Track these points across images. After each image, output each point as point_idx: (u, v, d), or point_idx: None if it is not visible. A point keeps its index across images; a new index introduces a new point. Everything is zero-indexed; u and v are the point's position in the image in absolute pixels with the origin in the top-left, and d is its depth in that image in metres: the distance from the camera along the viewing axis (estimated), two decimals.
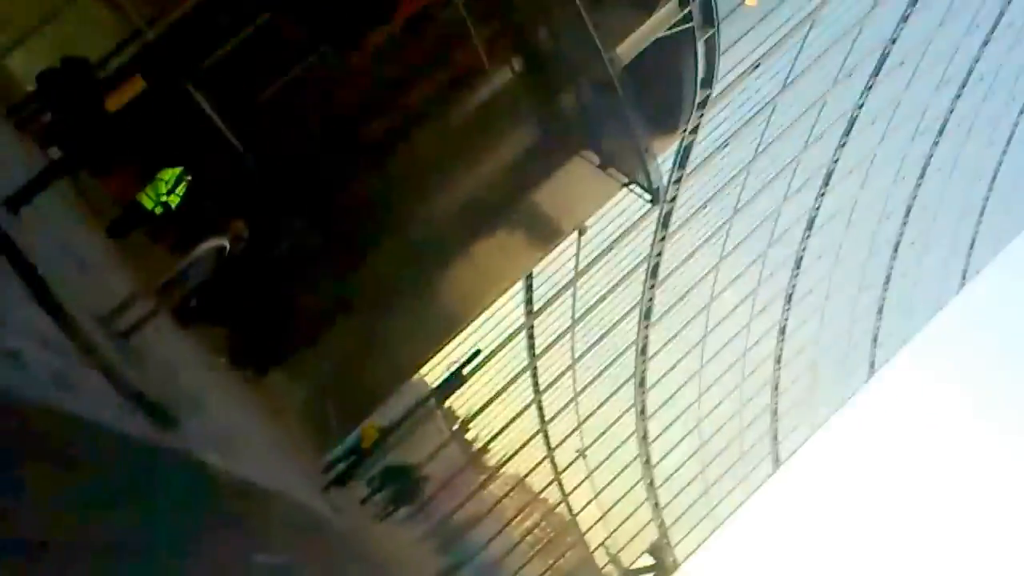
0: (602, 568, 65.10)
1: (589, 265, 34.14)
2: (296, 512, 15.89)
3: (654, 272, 40.01)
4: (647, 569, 71.73)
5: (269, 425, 22.18)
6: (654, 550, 68.34)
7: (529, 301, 33.36)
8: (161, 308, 11.38)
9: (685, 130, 29.21)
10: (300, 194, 24.75)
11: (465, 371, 23.75)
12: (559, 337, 37.58)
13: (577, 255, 32.28)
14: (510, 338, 34.06)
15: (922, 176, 55.25)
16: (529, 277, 31.91)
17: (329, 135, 24.07)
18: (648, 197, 26.52)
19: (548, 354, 37.29)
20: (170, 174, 20.65)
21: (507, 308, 32.69)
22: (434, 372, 32.97)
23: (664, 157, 29.97)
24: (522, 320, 34.15)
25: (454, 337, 28.27)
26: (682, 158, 31.65)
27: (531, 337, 35.73)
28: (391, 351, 27.73)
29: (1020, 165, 64.06)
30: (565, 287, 34.34)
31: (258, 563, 9.35)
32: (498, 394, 37.23)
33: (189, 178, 20.78)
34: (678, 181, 32.79)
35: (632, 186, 26.19)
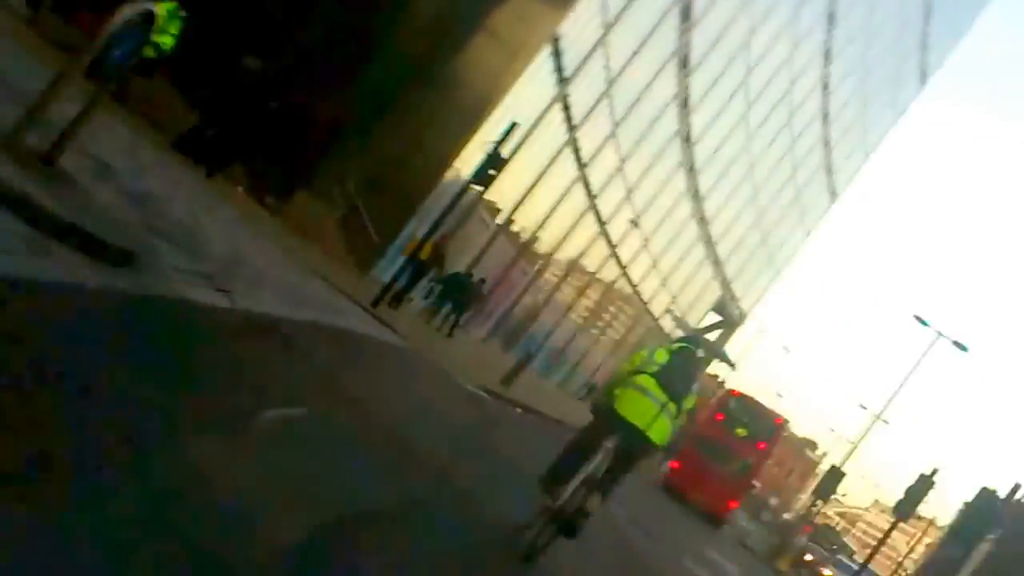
0: (671, 333, 62.97)
1: (619, 15, 29.98)
2: (347, 341, 13.93)
3: (687, 14, 35.67)
4: (715, 325, 69.90)
5: (302, 253, 19.18)
6: (719, 306, 66.17)
7: (559, 69, 29.50)
8: (96, 100, 7.93)
9: None
10: None
11: (503, 150, 20.03)
12: (596, 103, 33.64)
13: (604, 4, 28.15)
14: (544, 112, 30.41)
15: None
16: (555, 42, 28.01)
17: None
18: None
19: (587, 124, 33.44)
20: (162, 8, 17.16)
21: (537, 81, 28.70)
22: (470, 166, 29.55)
23: None
24: (555, 91, 30.30)
25: (484, 119, 24.55)
26: None
27: (567, 108, 31.99)
28: (421, 146, 24.31)
29: None
30: (595, 46, 30.57)
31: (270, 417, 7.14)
32: (540, 176, 33.62)
33: (184, 14, 17.35)
34: None
35: None
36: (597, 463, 8.71)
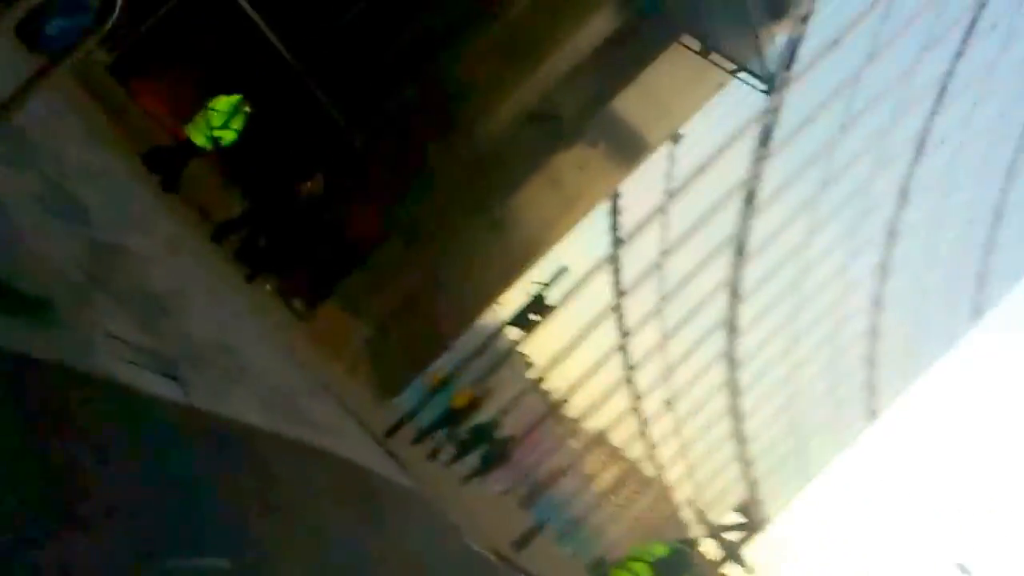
0: (689, 525, 60.75)
1: (682, 186, 29.40)
2: (336, 470, 11.37)
3: (749, 199, 35.05)
4: (737, 527, 67.41)
5: (318, 366, 18.02)
6: (743, 507, 63.93)
7: (614, 228, 28.90)
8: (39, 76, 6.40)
9: (797, 16, 23.85)
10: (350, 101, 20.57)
11: (548, 295, 19.16)
12: (647, 274, 32.92)
13: (669, 172, 27.50)
14: (593, 271, 29.94)
15: None
16: (615, 199, 27.24)
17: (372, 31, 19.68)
18: (762, 86, 21.55)
19: (634, 292, 32.65)
20: (225, 103, 16.82)
21: (590, 238, 28.13)
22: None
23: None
24: (608, 251, 29.79)
25: (533, 264, 23.75)
26: (788, 56, 25.71)
27: (616, 271, 31.25)
28: (465, 277, 23.47)
29: None
30: (655, 213, 29.72)
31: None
32: (581, 337, 32.74)
33: (248, 110, 16.95)
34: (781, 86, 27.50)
35: (742, 74, 21.25)
36: None
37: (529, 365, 33.29)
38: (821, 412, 59.03)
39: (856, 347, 56.07)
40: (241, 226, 18.35)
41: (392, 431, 17.61)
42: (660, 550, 10.26)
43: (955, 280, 59.34)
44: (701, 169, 28.88)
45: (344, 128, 20.15)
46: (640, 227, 29.14)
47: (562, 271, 18.99)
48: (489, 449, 28.57)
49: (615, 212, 26.79)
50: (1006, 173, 53.87)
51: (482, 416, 26.31)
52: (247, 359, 11.15)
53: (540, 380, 34.10)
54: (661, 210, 29.08)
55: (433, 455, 23.76)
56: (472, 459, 28.84)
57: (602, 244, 28.08)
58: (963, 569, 36.35)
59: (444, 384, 22.96)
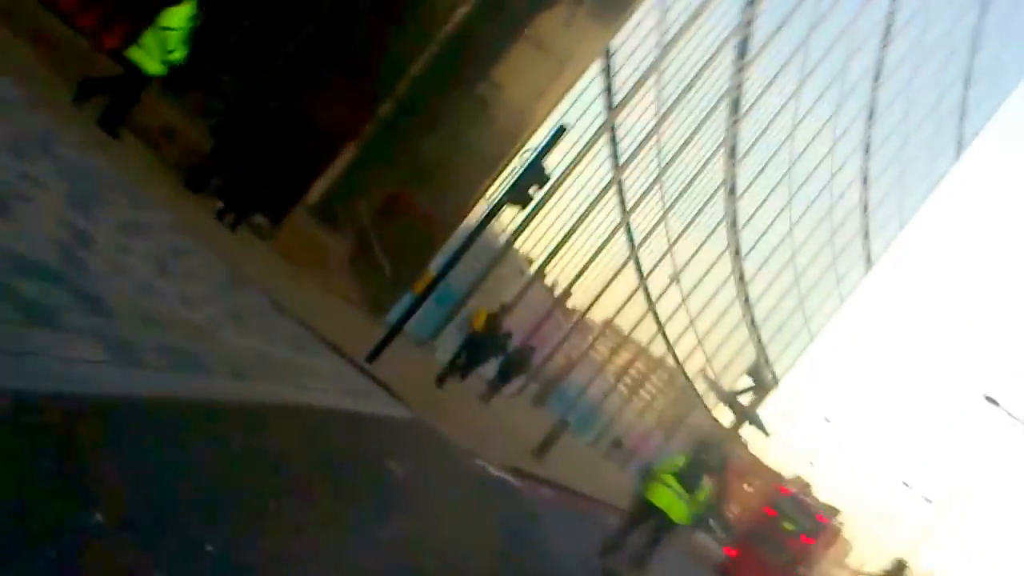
0: (703, 394, 58.38)
1: (672, 105, 28.83)
2: (304, 420, 8.48)
3: (735, 106, 33.63)
4: (747, 390, 65.24)
5: (290, 291, 14.87)
6: (753, 370, 61.60)
7: (615, 155, 28.31)
8: None
9: None
10: None
11: (548, 163, 15.66)
12: (648, 189, 32.64)
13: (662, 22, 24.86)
14: (600, 196, 29.33)
15: None
16: (612, 130, 26.56)
17: None
18: None
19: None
20: (180, 18, 13.13)
21: (594, 164, 27.54)
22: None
23: None
24: (610, 176, 29.18)
25: (527, 137, 20.29)
26: None
27: (621, 192, 30.92)
28: (447, 176, 20.10)
29: None
30: (649, 134, 29.20)
31: None
32: (580, 221, 29.74)
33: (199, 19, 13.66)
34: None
35: None
36: (638, 537, 11.60)
37: (530, 261, 30.07)
38: (820, 266, 56.23)
39: (849, 195, 53.10)
40: (215, 166, 15.01)
41: (375, 354, 14.40)
42: (680, 460, 12.25)
43: (936, 116, 56.15)
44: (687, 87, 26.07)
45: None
46: (637, 150, 26.33)
47: (561, 131, 15.41)
48: (506, 361, 25.72)
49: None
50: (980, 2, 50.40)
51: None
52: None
53: (541, 272, 30.87)
54: (654, 131, 26.56)
55: (440, 381, 20.50)
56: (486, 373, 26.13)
57: (597, 110, 24.66)
58: (991, 400, 33.47)
59: (432, 287, 20.00)
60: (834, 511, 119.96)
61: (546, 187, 15.86)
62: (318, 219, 18.36)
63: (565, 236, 29.85)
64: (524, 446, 22.15)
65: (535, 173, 15.36)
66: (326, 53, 17.28)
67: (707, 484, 12.45)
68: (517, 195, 15.43)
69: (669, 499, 11.88)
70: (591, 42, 21.25)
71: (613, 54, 23.48)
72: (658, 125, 29.14)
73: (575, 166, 25.18)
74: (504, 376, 26.56)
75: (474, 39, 18.47)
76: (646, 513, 12.35)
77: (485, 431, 19.40)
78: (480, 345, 21.74)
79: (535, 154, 15.26)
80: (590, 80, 22.99)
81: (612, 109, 25.15)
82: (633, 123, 27.37)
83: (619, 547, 12.50)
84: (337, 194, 18.37)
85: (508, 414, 27.70)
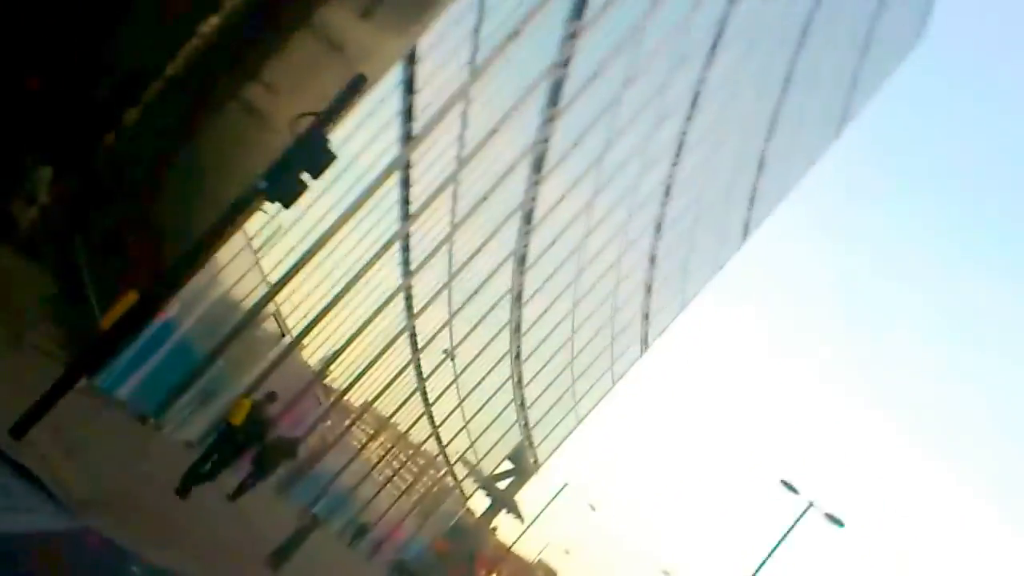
0: (461, 480, 53.26)
1: (464, 218, 27.34)
2: None
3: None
4: (506, 474, 60.75)
5: None
6: (514, 454, 57.10)
7: (406, 262, 26.72)
8: None
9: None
10: None
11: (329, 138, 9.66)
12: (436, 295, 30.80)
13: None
14: (387, 301, 27.33)
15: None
16: (406, 239, 25.42)
17: None
18: None
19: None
20: None
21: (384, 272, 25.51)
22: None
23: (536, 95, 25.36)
24: (400, 282, 27.32)
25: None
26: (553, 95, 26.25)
27: (408, 298, 29.24)
28: (202, 193, 14.21)
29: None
30: (441, 243, 27.81)
31: None
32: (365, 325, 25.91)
33: None
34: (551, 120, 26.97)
35: None
36: None
37: (282, 322, 23.87)
38: (597, 345, 52.41)
39: (636, 275, 49.63)
40: None
41: (24, 425, 8.48)
42: None
43: (727, 201, 53.86)
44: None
45: None
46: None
47: (360, 81, 9.51)
48: (263, 452, 19.98)
49: (406, 249, 19.30)
50: (781, 83, 48.39)
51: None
52: None
53: (299, 341, 24.75)
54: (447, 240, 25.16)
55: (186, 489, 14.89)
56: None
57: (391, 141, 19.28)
58: (788, 486, 29.57)
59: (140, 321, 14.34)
60: None
61: (327, 171, 9.98)
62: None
63: (332, 302, 24.01)
64: (261, 552, 16.66)
65: (313, 152, 9.54)
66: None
67: None
68: (283, 184, 9.56)
69: None
70: (393, 40, 15.82)
71: (411, 167, 20.99)
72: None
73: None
74: (261, 468, 20.79)
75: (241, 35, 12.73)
76: None
77: (206, 539, 13.59)
78: (236, 440, 15.83)
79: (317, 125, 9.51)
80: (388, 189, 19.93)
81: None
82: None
83: None
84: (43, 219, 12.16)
85: (252, 511, 21.57)
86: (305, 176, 9.67)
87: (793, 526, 28.65)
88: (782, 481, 30.03)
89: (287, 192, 9.68)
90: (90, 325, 14.73)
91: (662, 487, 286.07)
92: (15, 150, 12.23)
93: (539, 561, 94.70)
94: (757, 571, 28.36)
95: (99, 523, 9.05)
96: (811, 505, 29.24)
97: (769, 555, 28.33)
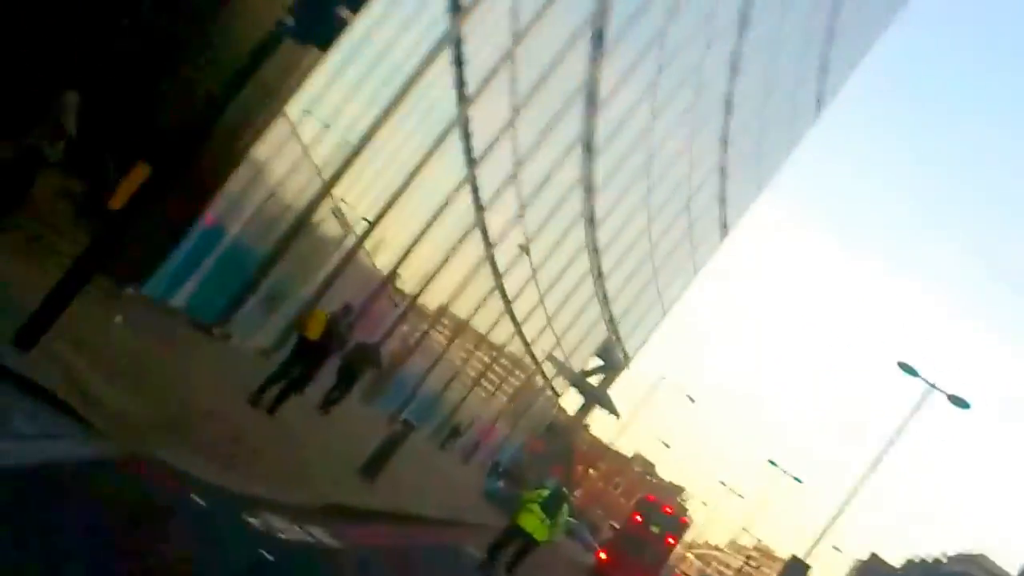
0: (551, 379, 52.82)
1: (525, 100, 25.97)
2: None
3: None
4: (597, 370, 60.23)
5: None
6: (603, 350, 56.44)
7: (468, 151, 25.33)
8: None
9: None
10: None
11: None
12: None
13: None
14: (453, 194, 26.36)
15: None
16: (466, 125, 23.88)
17: None
18: None
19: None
20: None
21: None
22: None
23: None
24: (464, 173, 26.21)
25: None
26: None
27: (475, 190, 28.00)
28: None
29: None
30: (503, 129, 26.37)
31: None
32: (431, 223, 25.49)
33: None
34: None
35: None
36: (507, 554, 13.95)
37: (344, 223, 23.23)
38: (675, 234, 51.13)
39: (709, 158, 48.04)
40: None
41: (33, 332, 7.78)
42: (545, 492, 14.53)
43: (797, 75, 51.64)
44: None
45: None
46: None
47: None
48: (347, 363, 20.82)
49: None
50: None
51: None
52: None
53: (366, 234, 24.08)
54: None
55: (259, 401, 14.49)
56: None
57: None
58: (907, 368, 28.18)
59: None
60: (679, 489, 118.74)
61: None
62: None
63: (393, 196, 23.28)
64: (353, 463, 16.16)
65: None
66: None
67: (565, 510, 14.56)
68: (315, 20, 8.53)
69: (535, 524, 13.88)
70: None
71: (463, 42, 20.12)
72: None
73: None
74: (346, 380, 21.39)
75: None
76: (516, 534, 14.13)
77: (289, 458, 12.99)
78: (314, 355, 15.21)
79: None
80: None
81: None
82: None
83: (494, 560, 14.13)
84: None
85: (339, 422, 21.24)
86: (343, 11, 8.54)
87: (915, 410, 27.45)
88: (900, 364, 28.56)
89: (321, 30, 8.64)
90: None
91: (765, 376, 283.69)
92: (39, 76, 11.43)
93: (636, 455, 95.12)
94: (879, 459, 27.36)
95: (150, 448, 8.34)
96: (933, 387, 27.83)
97: (891, 442, 27.26)
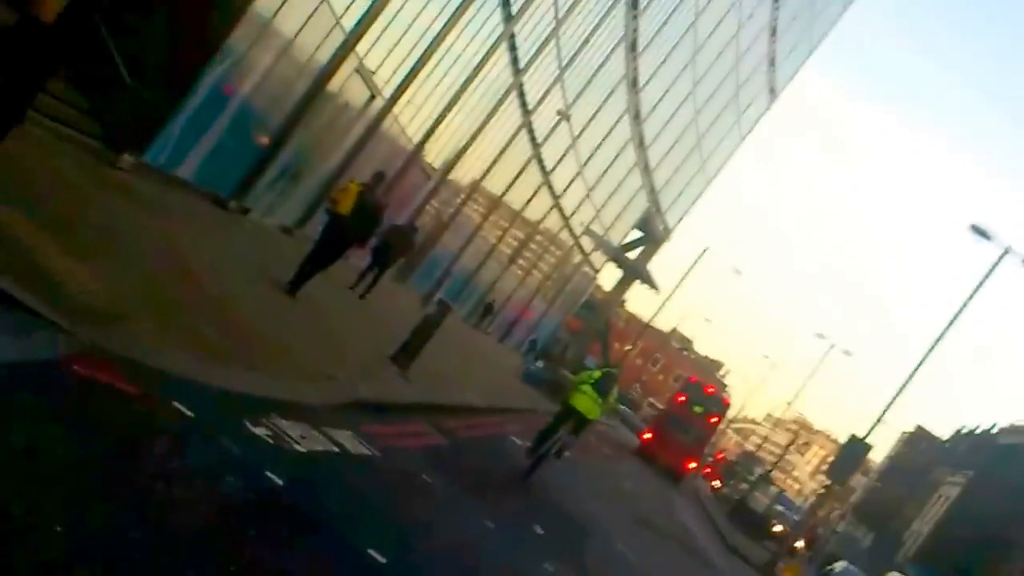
0: (589, 253, 50.93)
1: None
2: None
3: None
4: (636, 243, 58.26)
5: None
6: (642, 222, 54.33)
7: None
8: None
9: None
10: None
11: None
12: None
13: None
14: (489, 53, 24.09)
15: None
16: None
17: None
18: None
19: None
20: None
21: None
22: None
23: None
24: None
25: None
26: None
27: (512, 49, 26.01)
28: None
29: None
30: None
31: None
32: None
33: None
34: None
35: None
36: (564, 431, 14.31)
37: (368, 84, 21.06)
38: (721, 97, 48.51)
39: (759, 15, 45.08)
40: None
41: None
42: (596, 374, 14.84)
43: None
44: None
45: None
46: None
47: None
48: (382, 242, 19.28)
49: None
50: None
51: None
52: None
53: (394, 100, 21.92)
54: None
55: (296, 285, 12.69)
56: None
57: None
58: (980, 231, 25.88)
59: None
60: (717, 365, 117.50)
61: None
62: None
63: (423, 56, 21.07)
64: (384, 350, 14.38)
65: None
66: None
67: (615, 391, 15.06)
68: None
69: (587, 404, 14.36)
70: None
71: None
72: None
73: None
74: (381, 261, 19.87)
75: None
76: (570, 414, 14.53)
77: (310, 348, 11.10)
78: (346, 231, 13.38)
79: None
80: None
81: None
82: None
83: (547, 441, 14.35)
84: None
85: (368, 305, 19.46)
86: None
87: (988, 274, 25.36)
88: (972, 227, 26.30)
89: None
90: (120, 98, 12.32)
91: (815, 248, 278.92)
92: None
93: (673, 331, 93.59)
94: (951, 324, 25.44)
95: (121, 341, 6.48)
96: (1007, 251, 25.65)
97: (963, 307, 25.27)
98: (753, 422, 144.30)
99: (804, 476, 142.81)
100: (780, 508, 41.89)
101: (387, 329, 16.89)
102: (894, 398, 26.09)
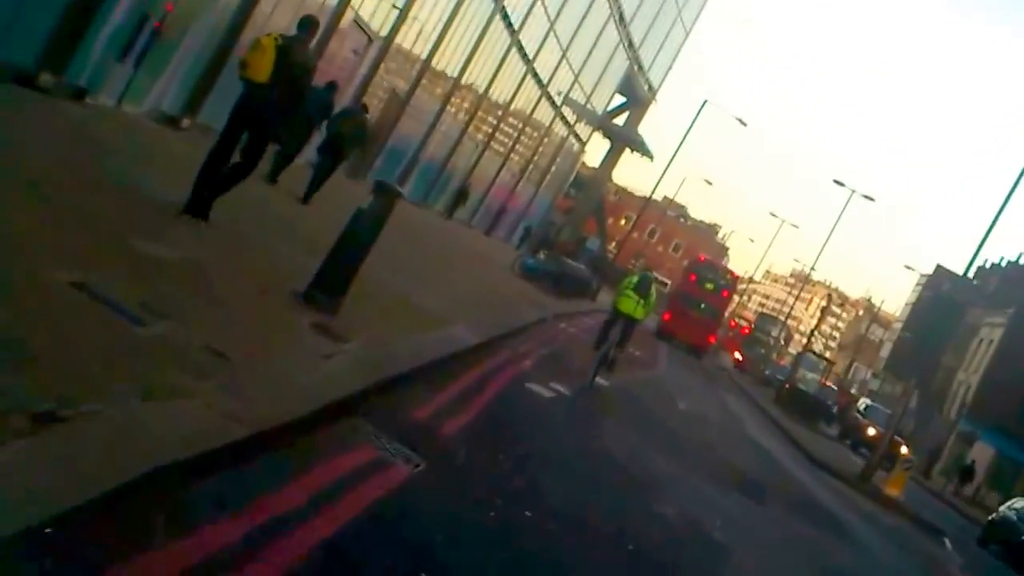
0: (573, 125, 45.76)
1: None
2: None
3: None
4: (620, 108, 53.24)
5: None
6: (624, 84, 49.07)
7: None
8: None
9: None
10: None
11: None
12: None
13: None
14: None
15: None
16: None
17: None
18: None
19: None
20: None
21: None
22: None
23: None
24: None
25: None
26: None
27: None
28: None
29: None
30: None
31: None
32: None
33: None
34: None
35: None
36: (614, 333, 15.19)
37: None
38: None
39: None
40: None
41: None
42: (635, 278, 15.76)
43: None
44: None
45: None
46: None
47: None
48: (334, 132, 14.95)
49: None
50: None
51: None
52: None
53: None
54: None
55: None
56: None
57: None
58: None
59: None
60: (715, 228, 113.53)
61: None
62: None
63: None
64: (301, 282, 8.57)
65: None
66: None
67: (654, 291, 15.78)
68: None
69: (631, 306, 15.20)
70: None
71: None
72: None
73: None
74: (333, 155, 15.05)
75: None
76: (617, 317, 15.30)
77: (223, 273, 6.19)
78: (263, 109, 8.32)
79: None
80: None
81: None
82: None
83: (604, 341, 15.29)
84: None
85: (308, 213, 14.28)
86: None
87: None
88: None
89: None
90: None
91: (831, 95, 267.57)
92: None
93: (666, 199, 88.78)
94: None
95: None
96: None
97: None
98: (751, 280, 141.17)
99: (807, 329, 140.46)
100: (810, 375, 43.07)
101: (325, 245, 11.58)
102: (991, 226, 21.85)
